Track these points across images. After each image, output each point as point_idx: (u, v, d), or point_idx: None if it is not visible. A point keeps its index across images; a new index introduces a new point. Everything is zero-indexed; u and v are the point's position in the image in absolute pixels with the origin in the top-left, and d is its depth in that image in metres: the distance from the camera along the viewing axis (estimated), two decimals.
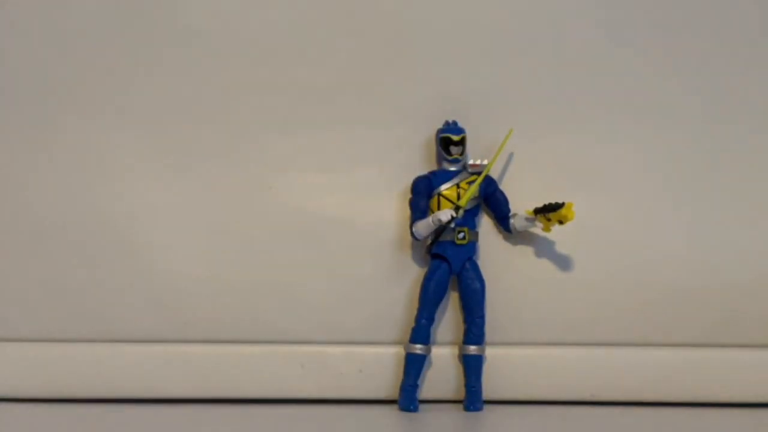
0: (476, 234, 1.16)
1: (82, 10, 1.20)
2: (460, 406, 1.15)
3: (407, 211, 1.16)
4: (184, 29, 1.20)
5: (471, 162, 1.14)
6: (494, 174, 1.18)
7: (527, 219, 1.14)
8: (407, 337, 1.15)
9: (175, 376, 1.16)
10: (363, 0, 1.21)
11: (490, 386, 1.15)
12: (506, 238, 1.18)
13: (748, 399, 1.16)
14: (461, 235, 1.14)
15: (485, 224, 1.18)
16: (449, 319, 1.17)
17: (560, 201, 1.11)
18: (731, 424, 1.11)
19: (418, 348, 1.14)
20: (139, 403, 1.15)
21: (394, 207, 1.19)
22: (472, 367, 1.14)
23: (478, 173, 1.15)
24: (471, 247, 1.15)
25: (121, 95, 1.19)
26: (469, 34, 1.20)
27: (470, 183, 1.14)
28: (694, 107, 1.21)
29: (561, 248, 1.18)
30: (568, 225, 1.11)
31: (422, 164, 1.19)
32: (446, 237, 1.14)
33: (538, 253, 1.18)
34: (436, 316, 1.15)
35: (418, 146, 1.19)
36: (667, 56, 1.21)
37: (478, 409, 1.13)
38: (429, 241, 1.15)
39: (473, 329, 1.14)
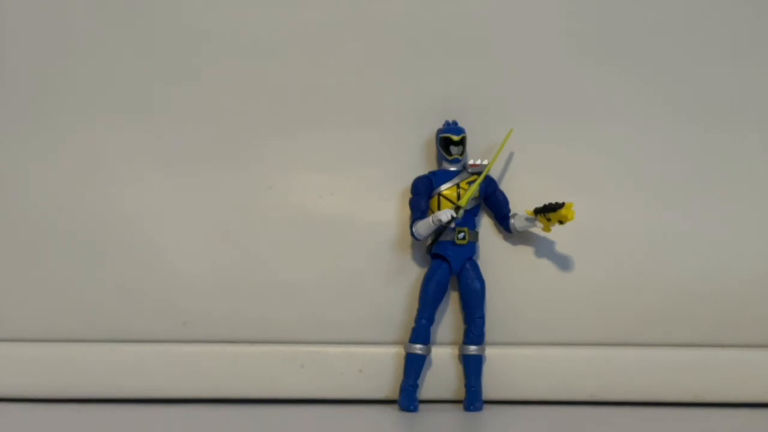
0: (476, 234, 1.16)
1: (82, 11, 1.20)
2: (460, 406, 1.15)
3: (407, 211, 1.16)
4: (185, 30, 1.20)
5: (471, 162, 1.14)
6: (494, 174, 1.18)
7: (527, 219, 1.14)
8: (407, 337, 1.15)
9: (175, 376, 1.16)
10: (363, 1, 1.21)
11: (490, 386, 1.15)
12: (506, 238, 1.18)
13: (748, 399, 1.16)
14: (461, 235, 1.14)
15: (485, 224, 1.18)
16: (449, 319, 1.17)
17: (560, 201, 1.11)
18: (731, 424, 1.11)
19: (418, 348, 1.14)
20: (139, 403, 1.15)
21: (394, 207, 1.18)
22: (472, 367, 1.14)
23: (478, 173, 1.14)
24: (471, 247, 1.15)
25: (122, 96, 1.19)
26: (469, 34, 1.20)
27: (470, 183, 1.14)
28: (695, 109, 1.21)
29: (561, 248, 1.18)
30: (568, 225, 1.11)
31: (422, 164, 1.19)
32: (446, 237, 1.14)
33: (538, 253, 1.18)
34: (436, 316, 1.15)
35: (418, 146, 1.19)
36: (668, 55, 1.21)
37: (478, 409, 1.13)
38: (429, 241, 1.15)
39: (473, 329, 1.14)
